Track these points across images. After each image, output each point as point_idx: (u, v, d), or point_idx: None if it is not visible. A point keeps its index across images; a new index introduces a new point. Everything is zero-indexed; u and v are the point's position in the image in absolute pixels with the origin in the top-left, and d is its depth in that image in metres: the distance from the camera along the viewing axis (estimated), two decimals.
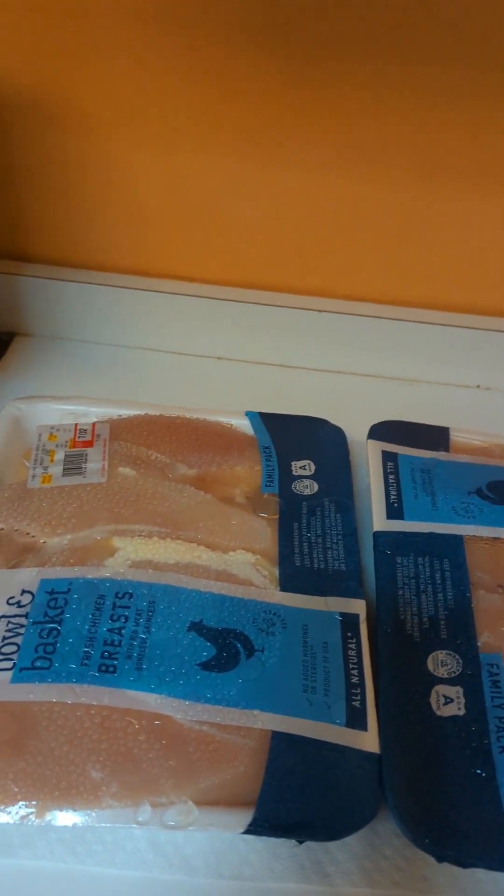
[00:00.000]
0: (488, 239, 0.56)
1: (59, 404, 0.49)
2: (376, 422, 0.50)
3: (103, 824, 0.30)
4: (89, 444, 0.46)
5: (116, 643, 0.34)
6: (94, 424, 0.47)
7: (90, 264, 0.60)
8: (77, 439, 0.46)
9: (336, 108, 0.50)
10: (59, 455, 0.45)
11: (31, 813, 0.30)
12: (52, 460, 0.45)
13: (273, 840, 0.33)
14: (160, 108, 0.52)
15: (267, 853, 0.33)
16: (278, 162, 0.53)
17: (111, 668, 0.34)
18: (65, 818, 0.30)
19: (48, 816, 0.30)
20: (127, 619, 0.35)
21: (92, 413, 0.49)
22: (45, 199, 0.57)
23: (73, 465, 0.44)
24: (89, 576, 0.37)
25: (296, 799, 0.31)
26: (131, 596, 0.36)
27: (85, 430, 0.47)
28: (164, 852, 0.32)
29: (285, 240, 0.58)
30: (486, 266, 0.57)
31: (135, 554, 0.39)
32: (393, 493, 0.44)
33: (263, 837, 0.33)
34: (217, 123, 0.52)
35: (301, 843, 0.32)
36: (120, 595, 0.36)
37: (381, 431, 0.48)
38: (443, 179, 0.53)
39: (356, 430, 0.51)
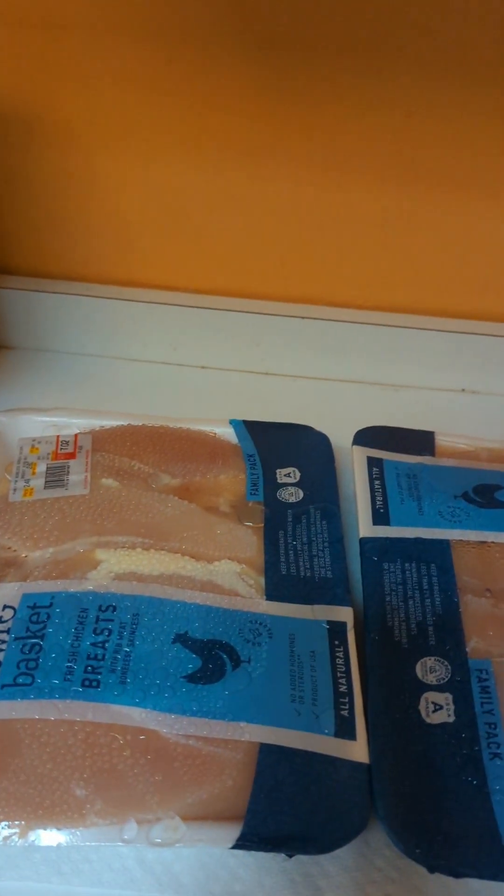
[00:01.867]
0: (469, 243, 0.56)
1: (41, 416, 0.49)
2: (361, 428, 0.50)
3: (88, 843, 0.30)
4: (71, 455, 0.45)
5: (100, 657, 0.34)
6: (76, 436, 0.47)
7: (71, 275, 0.60)
8: (59, 451, 0.46)
9: (316, 118, 0.50)
10: (41, 467, 0.44)
11: (14, 833, 0.29)
12: (33, 473, 0.44)
13: (263, 854, 0.32)
14: (141, 120, 0.52)
15: (257, 868, 0.32)
16: (260, 171, 0.53)
17: (95, 683, 0.33)
18: (49, 838, 0.30)
19: (32, 836, 0.29)
20: (111, 632, 0.35)
21: (74, 424, 0.49)
22: (26, 210, 0.56)
23: (55, 477, 0.44)
24: (72, 589, 0.37)
25: (285, 812, 0.31)
26: (115, 609, 0.36)
27: (67, 442, 0.46)
28: (153, 870, 0.32)
29: (268, 248, 0.57)
30: (467, 270, 0.57)
31: (118, 566, 0.38)
32: (379, 498, 0.44)
33: (253, 852, 0.32)
34: (198, 134, 0.52)
35: (290, 856, 0.31)
36: (103, 608, 0.36)
37: (366, 437, 0.48)
38: (422, 186, 0.53)
39: (341, 437, 0.51)
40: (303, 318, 0.59)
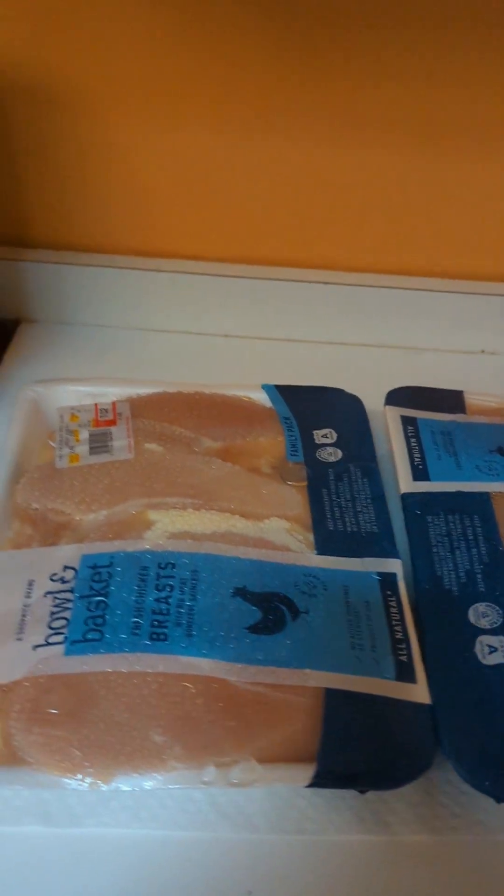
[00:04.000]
0: (489, 204, 0.56)
1: (76, 386, 0.49)
2: (385, 390, 0.50)
3: (170, 786, 0.31)
4: (112, 423, 0.46)
5: (164, 612, 0.35)
6: (113, 404, 0.48)
7: (93, 247, 0.60)
8: (99, 419, 0.46)
9: (335, 79, 0.51)
10: (84, 435, 0.45)
11: (98, 779, 0.30)
12: (77, 440, 0.45)
13: (331, 795, 0.33)
14: (158, 87, 0.52)
15: (326, 808, 0.33)
16: (279, 135, 0.53)
17: (162, 636, 0.34)
18: (131, 782, 0.31)
19: (115, 781, 0.30)
20: (172, 588, 0.36)
21: (109, 393, 0.49)
22: (45, 182, 0.56)
23: (99, 443, 0.44)
24: (130, 549, 0.38)
25: (355, 751, 0.32)
26: (174, 566, 0.37)
27: (106, 410, 0.47)
28: (226, 812, 0.33)
29: (288, 213, 0.58)
30: (488, 231, 0.58)
31: (172, 526, 0.39)
32: (416, 455, 0.45)
33: (321, 793, 0.33)
34: (217, 99, 0.52)
35: (363, 792, 0.32)
36: (163, 566, 0.37)
37: (398, 397, 0.49)
38: (443, 145, 0.53)
39: (367, 399, 0.51)
40: (325, 283, 0.59)
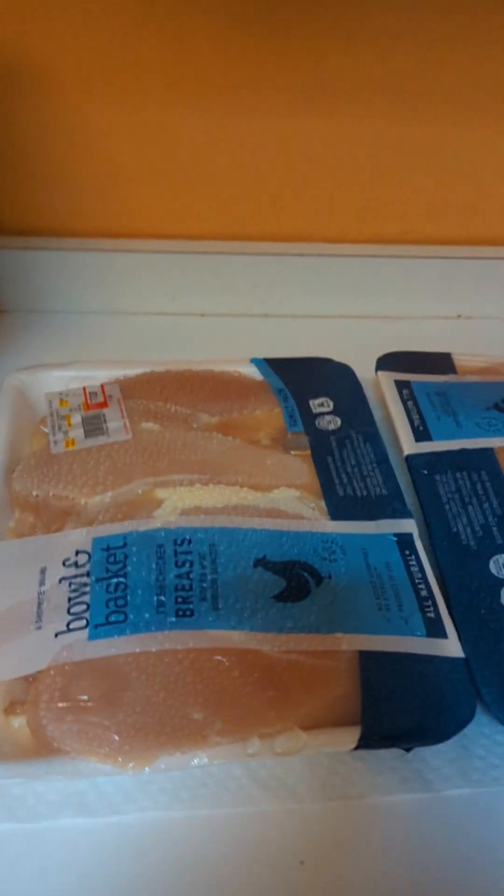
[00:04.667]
0: (460, 168, 0.56)
1: (61, 371, 0.48)
2: (367, 359, 0.50)
3: (216, 762, 0.30)
4: (103, 405, 0.45)
5: (187, 587, 0.34)
6: (102, 386, 0.46)
7: (61, 230, 0.58)
8: (89, 402, 0.45)
9: (300, 50, 0.50)
10: (76, 419, 0.43)
11: (141, 762, 0.29)
12: (69, 425, 0.43)
13: (371, 758, 0.33)
14: (122, 65, 0.50)
15: (367, 771, 0.33)
16: (247, 108, 0.53)
17: (188, 612, 0.33)
18: (175, 762, 0.30)
19: (157, 763, 0.29)
20: (192, 563, 0.35)
21: (95, 377, 0.48)
22: (7, 164, 0.54)
23: (94, 426, 0.43)
24: (142, 528, 0.36)
25: (398, 709, 0.31)
26: (190, 541, 0.36)
27: (95, 393, 0.46)
28: (268, 786, 0.32)
29: (259, 187, 0.57)
30: (456, 196, 0.58)
31: (181, 502, 0.38)
32: (416, 417, 0.45)
33: (361, 757, 0.33)
34: (181, 76, 0.51)
35: (409, 750, 0.32)
36: (179, 542, 0.36)
37: (389, 362, 0.49)
38: (412, 109, 0.53)
39: (354, 368, 0.51)
40: (299, 255, 0.59)
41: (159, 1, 0.47)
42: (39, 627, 0.33)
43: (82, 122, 0.52)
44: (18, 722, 0.32)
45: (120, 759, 0.29)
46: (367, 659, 0.33)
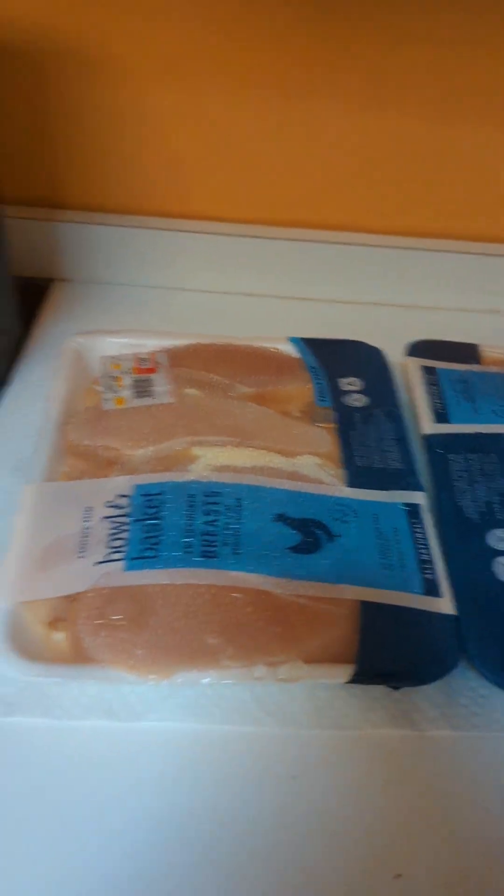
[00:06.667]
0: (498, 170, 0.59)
1: (115, 338, 0.52)
2: (401, 346, 0.54)
3: (224, 682, 0.34)
4: (151, 370, 0.49)
5: (213, 533, 0.38)
6: (152, 354, 0.51)
7: (124, 209, 0.62)
8: (139, 367, 0.49)
9: (359, 51, 0.53)
10: (127, 381, 0.48)
11: (161, 675, 0.34)
12: (120, 385, 0.48)
13: (365, 696, 0.37)
14: (192, 56, 0.54)
15: (361, 707, 0.37)
16: (304, 101, 0.56)
17: (212, 554, 0.37)
18: (190, 678, 0.34)
19: (175, 677, 0.34)
20: (219, 513, 0.39)
21: (145, 345, 0.52)
22: (80, 145, 0.59)
23: (142, 388, 0.47)
24: (178, 480, 0.41)
25: (389, 653, 0.35)
26: (219, 494, 0.40)
27: (144, 360, 0.50)
28: (272, 711, 0.37)
29: (311, 177, 0.61)
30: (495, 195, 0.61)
31: (214, 460, 0.42)
32: (437, 401, 0.48)
33: (356, 694, 0.37)
34: (245, 66, 0.55)
35: (397, 688, 0.36)
36: (209, 494, 0.40)
37: (419, 349, 0.52)
38: (468, 109, 0.56)
39: (385, 352, 0.55)
40: (345, 244, 0.62)
41: (230, 2, 0.51)
42: (82, 556, 0.37)
43: (151, 110, 0.57)
44: (59, 636, 0.37)
45: (143, 671, 0.34)
46: (367, 608, 0.37)
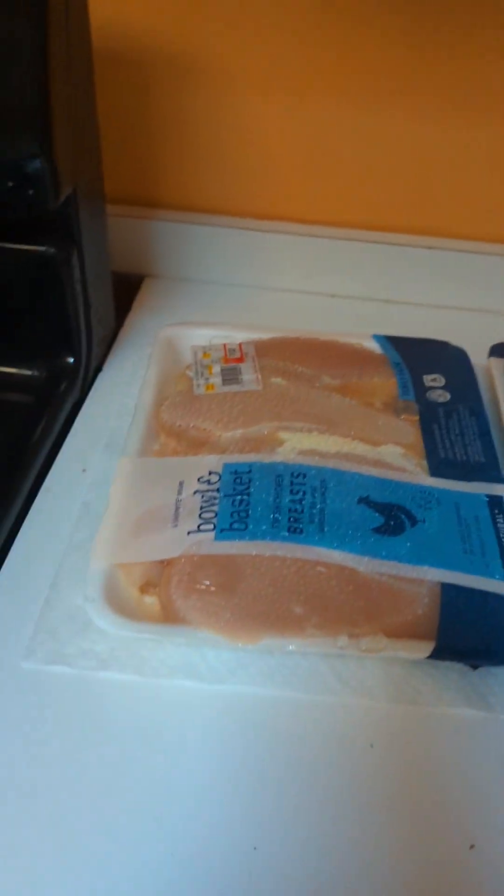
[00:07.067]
0: None
1: (205, 329, 0.55)
2: (483, 348, 0.55)
3: (309, 650, 0.36)
4: (240, 360, 0.51)
5: (299, 511, 0.40)
6: (240, 344, 0.53)
7: (214, 208, 0.65)
8: (228, 357, 0.52)
9: (454, 63, 0.55)
10: (216, 369, 0.50)
11: (248, 640, 0.35)
12: (210, 373, 0.50)
13: (442, 675, 0.38)
14: (290, 65, 0.57)
15: (437, 685, 0.38)
16: (394, 110, 0.58)
17: (298, 530, 0.39)
18: (276, 644, 0.36)
19: (261, 642, 0.36)
20: (304, 493, 0.41)
21: (233, 337, 0.54)
22: (178, 148, 0.62)
23: (231, 376, 0.49)
24: (265, 460, 0.43)
25: (469, 633, 0.36)
26: (305, 475, 0.42)
27: (233, 350, 0.52)
28: (349, 683, 0.38)
29: (395, 183, 0.62)
30: None
31: (300, 444, 0.44)
32: None
33: (433, 672, 0.38)
34: (338, 76, 0.57)
35: (476, 668, 0.37)
36: (295, 475, 0.42)
37: (502, 350, 0.53)
38: None
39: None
40: (429, 248, 0.63)
41: (329, 13, 0.53)
42: (175, 526, 0.39)
43: (246, 114, 0.59)
44: (151, 600, 0.39)
45: (231, 634, 0.36)
46: (448, 590, 0.38)
